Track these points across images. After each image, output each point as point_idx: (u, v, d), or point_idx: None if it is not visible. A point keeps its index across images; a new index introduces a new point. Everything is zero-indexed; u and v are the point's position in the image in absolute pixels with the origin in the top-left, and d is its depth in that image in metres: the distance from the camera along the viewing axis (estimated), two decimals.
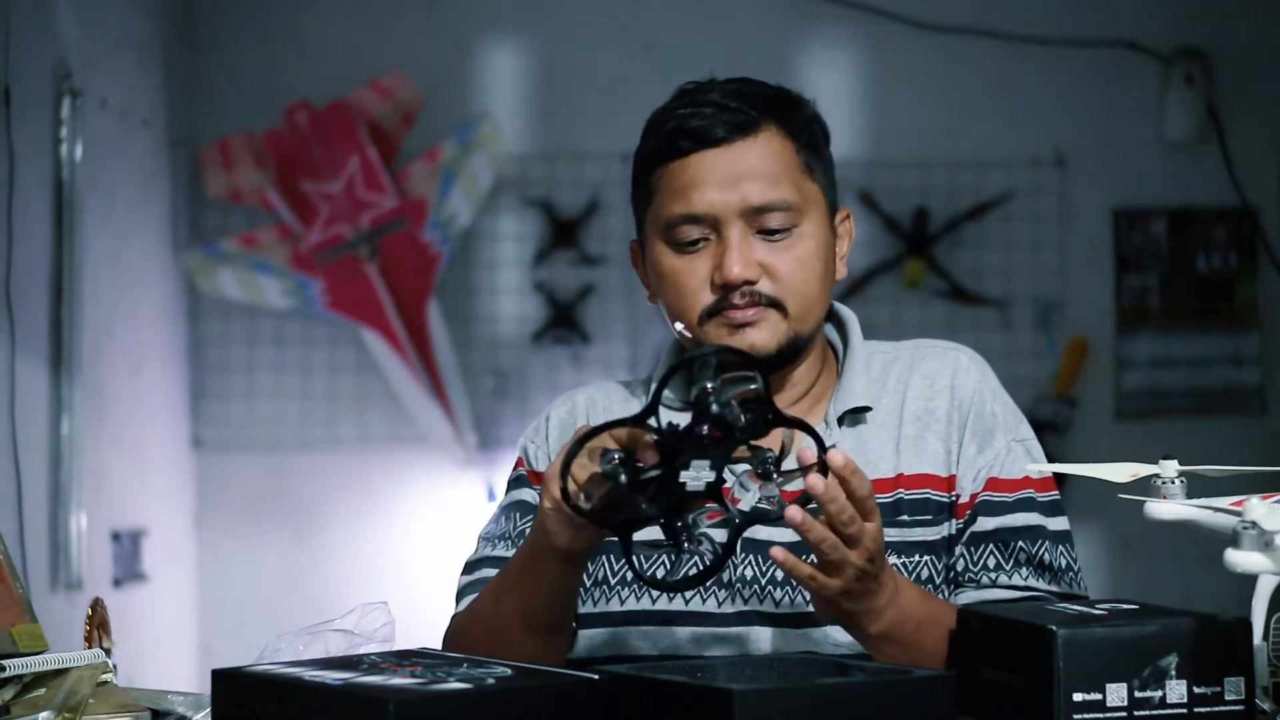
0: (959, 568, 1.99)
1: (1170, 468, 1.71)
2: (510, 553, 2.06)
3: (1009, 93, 4.92)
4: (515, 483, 2.14)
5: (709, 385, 1.68)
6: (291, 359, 4.87)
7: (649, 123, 2.05)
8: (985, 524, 1.99)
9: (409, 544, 4.85)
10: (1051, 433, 4.86)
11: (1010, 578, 1.98)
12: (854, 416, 2.04)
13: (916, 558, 1.98)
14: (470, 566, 2.11)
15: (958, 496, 2.00)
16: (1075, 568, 2.02)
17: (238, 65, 4.84)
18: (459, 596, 2.11)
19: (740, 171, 1.98)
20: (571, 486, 1.70)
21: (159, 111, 4.62)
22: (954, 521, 2.00)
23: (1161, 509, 1.70)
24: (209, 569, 4.86)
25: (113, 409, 4.17)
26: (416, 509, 4.86)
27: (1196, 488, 1.72)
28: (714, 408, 1.67)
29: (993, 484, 2.00)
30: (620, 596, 2.03)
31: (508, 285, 4.90)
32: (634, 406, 2.09)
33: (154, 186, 4.61)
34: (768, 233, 1.98)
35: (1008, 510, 2.00)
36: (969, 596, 1.97)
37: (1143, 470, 1.76)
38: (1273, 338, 4.95)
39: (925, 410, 2.04)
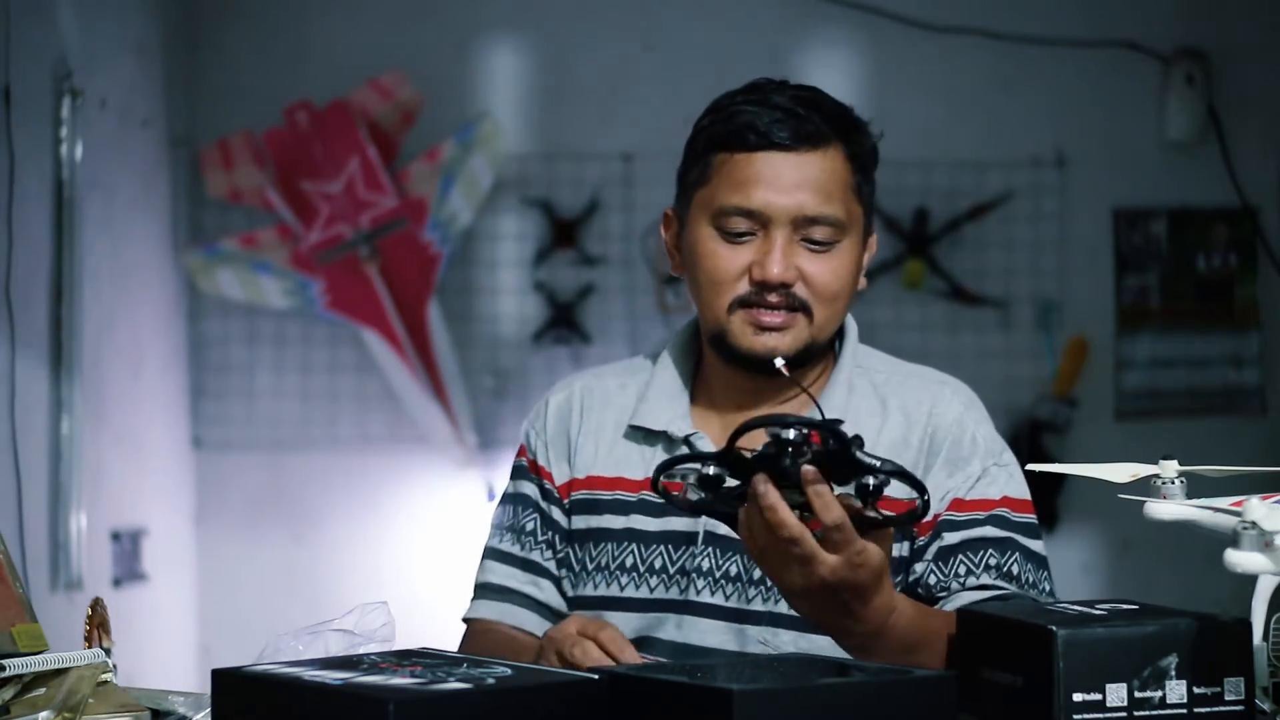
0: (930, 582, 2.05)
1: (1170, 468, 1.71)
2: (514, 547, 2.19)
3: (1009, 93, 4.92)
4: (517, 472, 2.25)
5: (787, 436, 1.70)
6: (291, 359, 4.87)
7: (716, 105, 2.12)
8: (950, 538, 2.06)
9: (409, 544, 4.85)
10: (1051, 433, 4.86)
11: (979, 579, 2.04)
12: None
13: None
14: (483, 557, 2.23)
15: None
16: (1045, 587, 2.08)
17: (238, 65, 4.84)
18: (474, 592, 2.22)
19: (800, 180, 2.05)
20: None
21: (159, 111, 4.62)
22: (917, 539, 2.06)
23: (1161, 509, 1.70)
24: (209, 569, 4.86)
25: (113, 409, 4.17)
26: (416, 509, 4.86)
27: (1196, 488, 1.72)
28: (785, 462, 1.70)
29: (956, 504, 2.07)
30: (649, 585, 2.11)
31: (508, 285, 4.90)
32: (628, 390, 2.20)
33: (154, 186, 4.61)
34: (811, 242, 2.07)
35: (977, 525, 2.06)
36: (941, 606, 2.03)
37: (1143, 470, 1.76)
38: (1273, 338, 4.95)
39: (901, 439, 2.10)
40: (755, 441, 1.73)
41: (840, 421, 1.73)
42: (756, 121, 2.05)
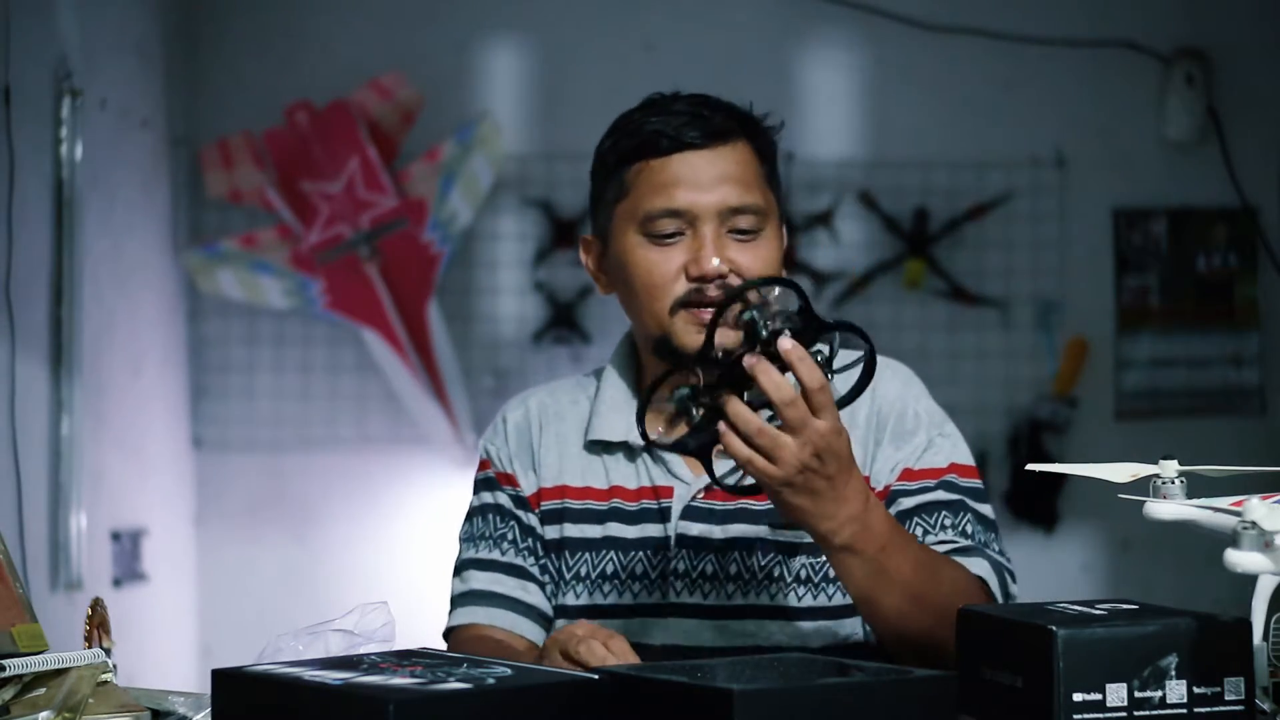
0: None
1: (1170, 468, 1.71)
2: (492, 554, 2.21)
3: (1009, 93, 4.92)
4: (486, 484, 2.27)
5: (754, 314, 1.81)
6: (291, 359, 4.87)
7: (619, 124, 2.19)
8: (905, 503, 2.12)
9: (409, 544, 4.85)
10: (1051, 433, 4.86)
11: (937, 537, 2.11)
12: None
13: (802, 558, 2.12)
14: (458, 570, 2.25)
15: (872, 490, 2.10)
16: (996, 548, 2.13)
17: (238, 65, 4.84)
18: (452, 604, 2.24)
19: (718, 174, 2.11)
20: (654, 433, 1.90)
21: (159, 111, 4.62)
22: None
23: (1161, 509, 1.70)
24: (209, 569, 4.85)
25: (113, 409, 4.17)
26: (416, 509, 4.86)
27: (1196, 488, 1.72)
28: (762, 332, 1.79)
29: (906, 474, 2.14)
30: (632, 591, 2.15)
31: (508, 285, 4.90)
32: (581, 405, 2.25)
33: (154, 186, 4.61)
34: (738, 232, 2.12)
35: (928, 491, 2.13)
36: None
37: (1143, 470, 1.76)
38: (1273, 338, 4.95)
39: (849, 419, 2.13)
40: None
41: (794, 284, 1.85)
42: (664, 127, 2.12)
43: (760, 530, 2.13)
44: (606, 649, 1.91)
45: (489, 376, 4.88)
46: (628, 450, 2.19)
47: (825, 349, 1.82)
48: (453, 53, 4.87)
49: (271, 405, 4.86)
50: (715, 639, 2.11)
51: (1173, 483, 1.71)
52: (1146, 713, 1.58)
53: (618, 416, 2.20)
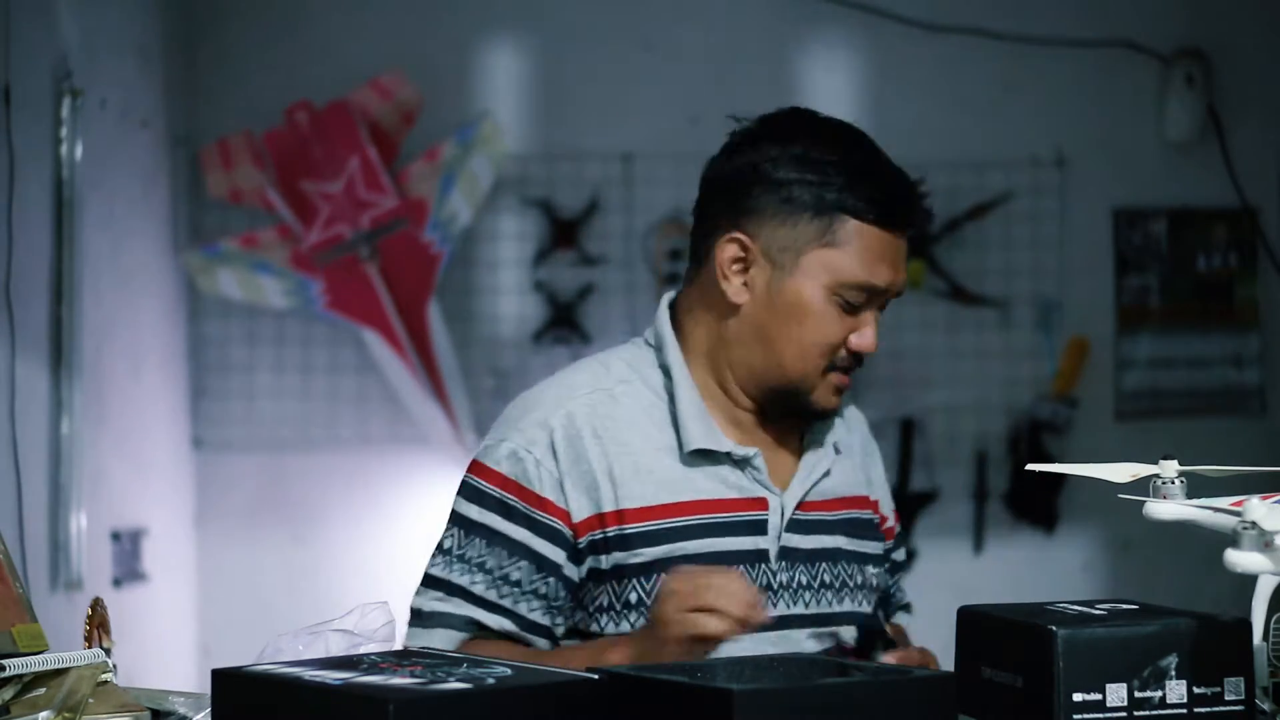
0: (886, 587, 2.30)
1: (1170, 468, 1.71)
2: (488, 593, 2.11)
3: (1009, 93, 4.91)
4: (499, 507, 2.14)
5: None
6: (291, 359, 4.87)
7: (821, 157, 2.16)
8: (900, 553, 2.34)
9: (409, 544, 4.83)
10: (1051, 433, 4.86)
11: (907, 597, 2.37)
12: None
13: (869, 568, 2.21)
14: (437, 584, 2.19)
15: (884, 519, 2.28)
16: None
17: (238, 65, 4.83)
18: (426, 618, 2.17)
19: (902, 260, 2.17)
20: None
21: (159, 111, 4.62)
22: (883, 541, 2.28)
23: (1161, 509, 1.70)
24: (209, 569, 4.85)
25: (113, 409, 4.17)
26: (417, 509, 4.86)
27: (1196, 488, 1.72)
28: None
29: (895, 514, 2.32)
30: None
31: (508, 285, 4.90)
32: (627, 407, 2.13)
33: (154, 186, 4.61)
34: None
35: (902, 539, 2.37)
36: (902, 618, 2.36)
37: (1143, 470, 1.76)
38: (1273, 338, 4.95)
39: (861, 445, 2.31)
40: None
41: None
42: (892, 196, 2.14)
43: (839, 540, 2.18)
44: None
45: (489, 376, 4.88)
46: (731, 462, 2.13)
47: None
48: (453, 53, 4.87)
49: (271, 405, 4.86)
50: (815, 646, 2.13)
51: (1173, 483, 1.71)
52: (1146, 713, 1.58)
53: (708, 422, 2.13)
